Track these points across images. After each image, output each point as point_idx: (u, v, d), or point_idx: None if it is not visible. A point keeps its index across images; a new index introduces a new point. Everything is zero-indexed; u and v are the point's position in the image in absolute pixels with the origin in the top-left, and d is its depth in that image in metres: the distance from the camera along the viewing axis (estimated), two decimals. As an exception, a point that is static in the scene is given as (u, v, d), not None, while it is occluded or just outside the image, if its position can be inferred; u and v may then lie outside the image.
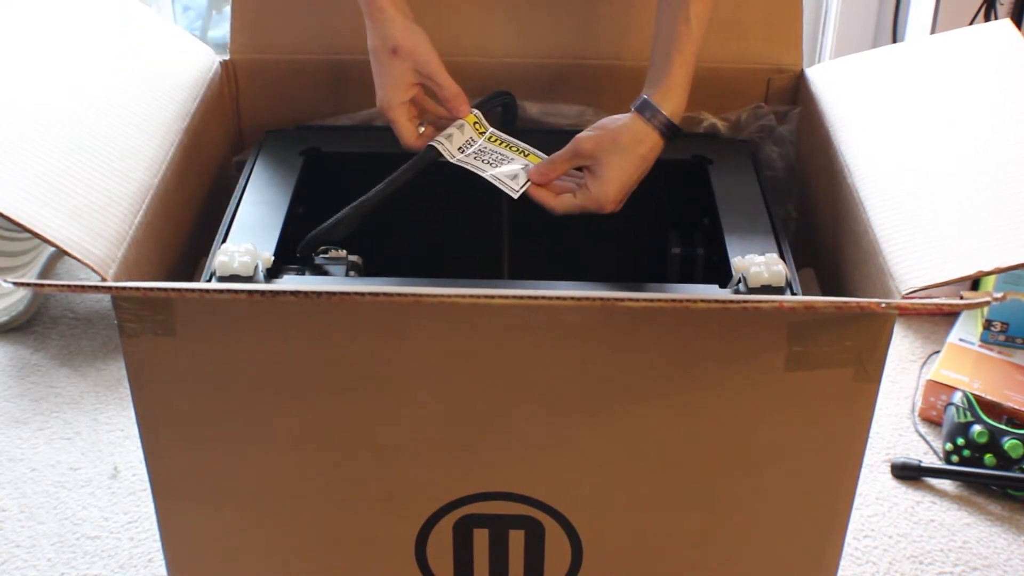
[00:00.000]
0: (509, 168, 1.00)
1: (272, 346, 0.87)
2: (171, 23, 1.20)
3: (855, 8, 1.94)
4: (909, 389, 1.62)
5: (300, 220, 1.00)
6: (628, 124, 0.97)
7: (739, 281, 0.90)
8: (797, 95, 1.16)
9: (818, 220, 1.06)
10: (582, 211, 0.98)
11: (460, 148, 1.01)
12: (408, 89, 1.00)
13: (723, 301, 0.78)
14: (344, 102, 1.17)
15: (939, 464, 1.48)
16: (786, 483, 0.92)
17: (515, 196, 0.99)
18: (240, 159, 1.14)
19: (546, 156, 1.00)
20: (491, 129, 1.04)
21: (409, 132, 1.01)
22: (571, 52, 1.17)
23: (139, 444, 0.91)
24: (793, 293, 0.90)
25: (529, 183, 0.99)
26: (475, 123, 1.03)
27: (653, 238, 1.15)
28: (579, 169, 0.99)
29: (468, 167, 1.00)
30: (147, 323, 0.85)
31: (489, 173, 0.99)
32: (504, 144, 1.03)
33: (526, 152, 1.02)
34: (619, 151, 0.96)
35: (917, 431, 1.55)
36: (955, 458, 1.47)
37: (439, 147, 1.00)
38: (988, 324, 1.63)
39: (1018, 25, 1.67)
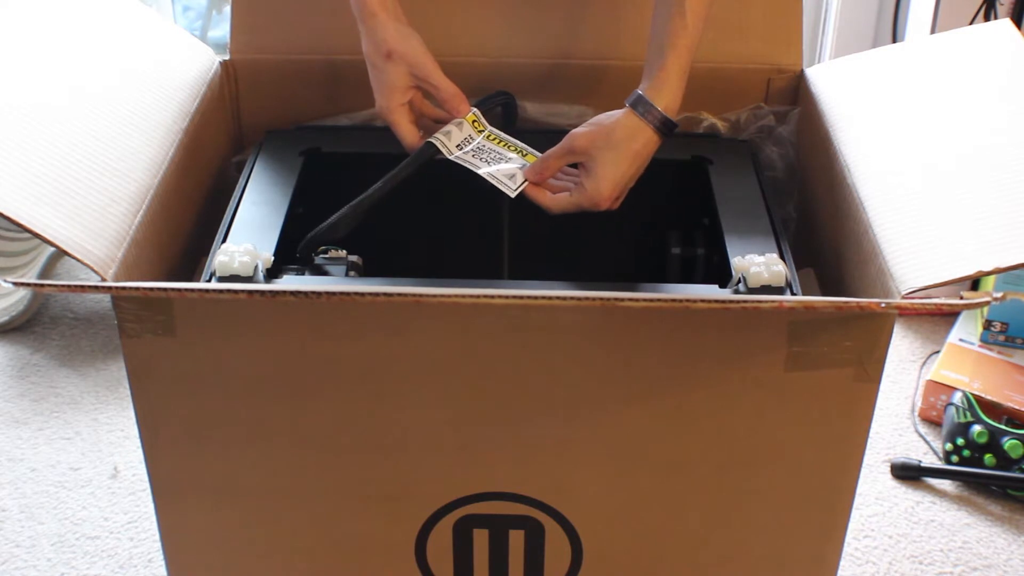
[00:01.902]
0: (506, 167, 1.00)
1: (272, 346, 0.87)
2: (171, 23, 1.20)
3: (855, 8, 1.93)
4: (909, 389, 1.62)
5: (300, 220, 1.00)
6: (622, 120, 0.96)
7: (739, 281, 0.90)
8: (797, 95, 1.16)
9: (818, 220, 1.06)
10: (578, 209, 0.98)
11: (458, 145, 1.01)
12: (405, 92, 1.00)
13: (723, 301, 0.78)
14: (344, 102, 1.17)
15: (939, 464, 1.48)
16: (786, 483, 0.92)
17: (512, 195, 0.99)
18: (240, 159, 1.14)
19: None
20: (489, 127, 1.04)
21: (411, 135, 1.01)
22: (569, 51, 1.17)
23: (139, 444, 0.91)
24: (793, 293, 0.89)
25: (526, 183, 0.99)
26: (474, 121, 1.03)
27: (653, 238, 1.15)
28: (575, 167, 0.99)
29: (465, 164, 1.00)
30: (147, 323, 0.85)
31: (486, 171, 0.99)
32: (502, 143, 1.03)
33: (524, 152, 1.02)
34: (612, 148, 0.96)
35: (917, 431, 1.55)
36: (955, 458, 1.47)
37: (437, 143, 1.00)
38: (988, 324, 1.63)
39: (1018, 25, 1.67)
